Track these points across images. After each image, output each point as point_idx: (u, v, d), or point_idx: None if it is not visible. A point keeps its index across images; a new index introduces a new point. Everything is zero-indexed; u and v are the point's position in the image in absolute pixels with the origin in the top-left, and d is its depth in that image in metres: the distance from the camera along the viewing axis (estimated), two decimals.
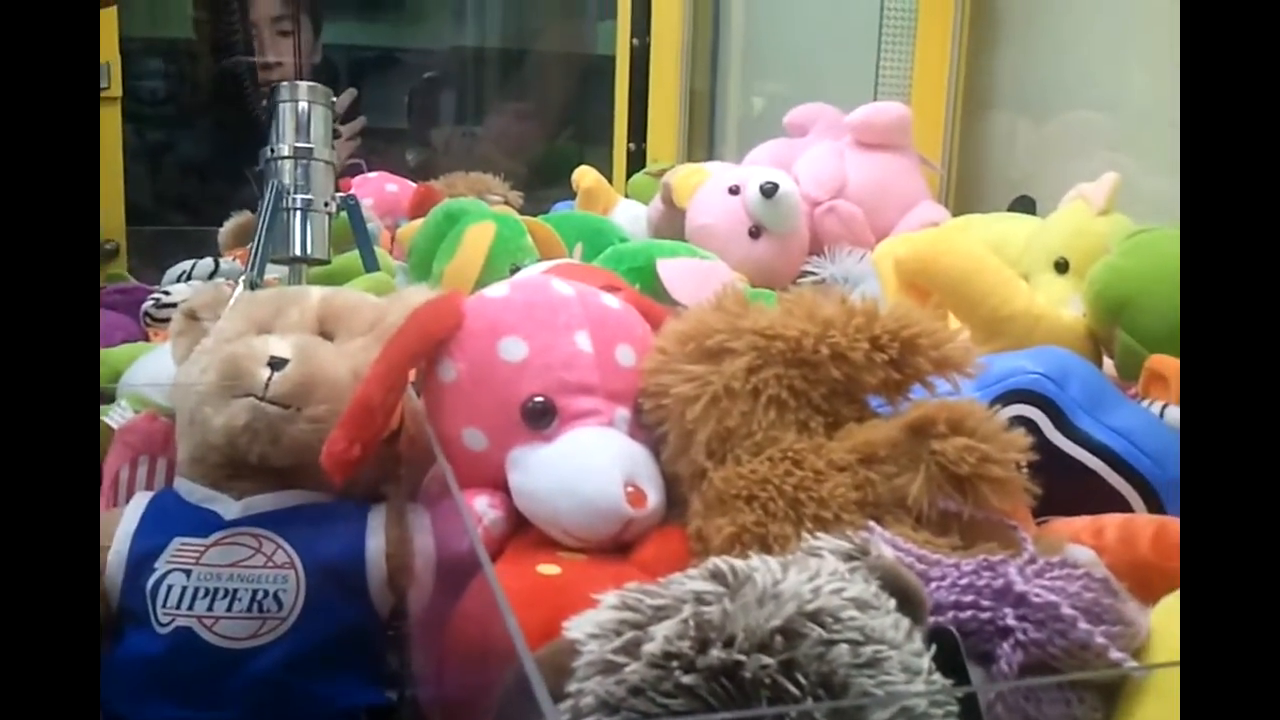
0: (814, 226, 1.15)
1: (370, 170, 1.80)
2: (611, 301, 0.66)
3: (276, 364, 0.65)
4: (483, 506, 0.60)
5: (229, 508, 0.66)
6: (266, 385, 0.64)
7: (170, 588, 0.63)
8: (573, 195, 1.46)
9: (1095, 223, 0.93)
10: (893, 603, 0.41)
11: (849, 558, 0.43)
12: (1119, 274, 0.77)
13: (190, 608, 0.63)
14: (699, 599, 0.39)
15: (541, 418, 0.60)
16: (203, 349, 0.70)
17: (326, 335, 0.70)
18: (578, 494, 0.58)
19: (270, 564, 0.64)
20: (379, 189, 1.46)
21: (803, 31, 1.74)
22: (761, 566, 0.41)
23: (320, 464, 0.61)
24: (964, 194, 1.35)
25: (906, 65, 1.36)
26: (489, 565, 0.49)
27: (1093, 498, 0.66)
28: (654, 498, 0.59)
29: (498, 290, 0.65)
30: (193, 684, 0.62)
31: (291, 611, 0.63)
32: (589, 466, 0.58)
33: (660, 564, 0.57)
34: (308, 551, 0.64)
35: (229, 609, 0.63)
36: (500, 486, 0.61)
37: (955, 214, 1.18)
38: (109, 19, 1.56)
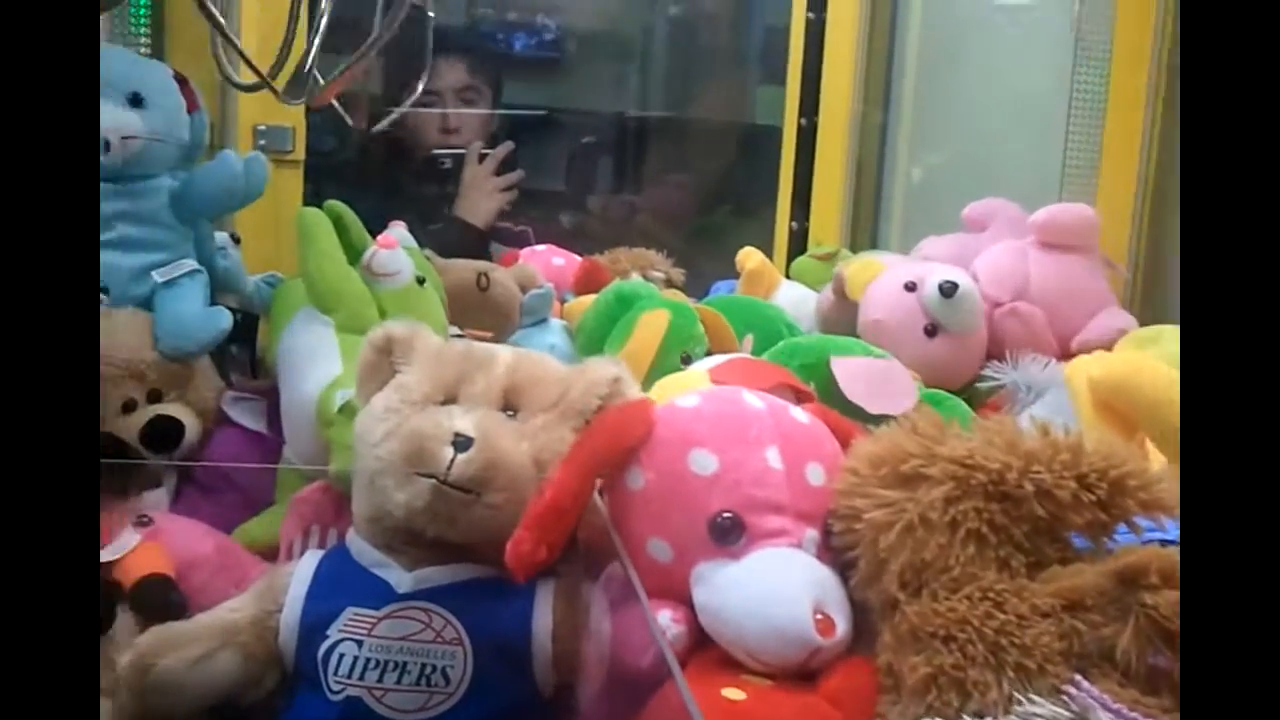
0: (993, 328, 1.12)
1: (534, 238, 1.83)
2: (801, 416, 0.65)
3: (460, 444, 0.65)
4: (665, 620, 0.59)
5: (401, 578, 0.67)
6: (449, 466, 0.64)
7: (342, 656, 0.65)
8: (730, 272, 1.45)
9: None
10: None
11: None
12: None
13: (361, 678, 0.65)
14: None
15: (730, 534, 0.59)
16: (388, 405, 0.70)
17: (510, 407, 0.70)
18: (766, 618, 0.56)
19: (439, 639, 0.65)
20: (546, 261, 1.48)
21: (981, 115, 1.71)
22: None
23: (493, 543, 0.62)
24: (1151, 300, 1.29)
25: (1094, 156, 1.31)
26: (688, 695, 0.48)
27: None
28: (842, 626, 0.58)
29: (688, 400, 0.64)
30: None
31: (458, 687, 0.64)
32: (778, 590, 0.57)
33: (848, 697, 0.55)
34: (476, 628, 0.65)
35: (398, 681, 0.64)
36: (683, 600, 0.60)
37: (1141, 322, 1.13)
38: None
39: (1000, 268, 1.14)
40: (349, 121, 1.61)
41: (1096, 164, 1.32)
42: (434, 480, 0.65)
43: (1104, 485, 0.55)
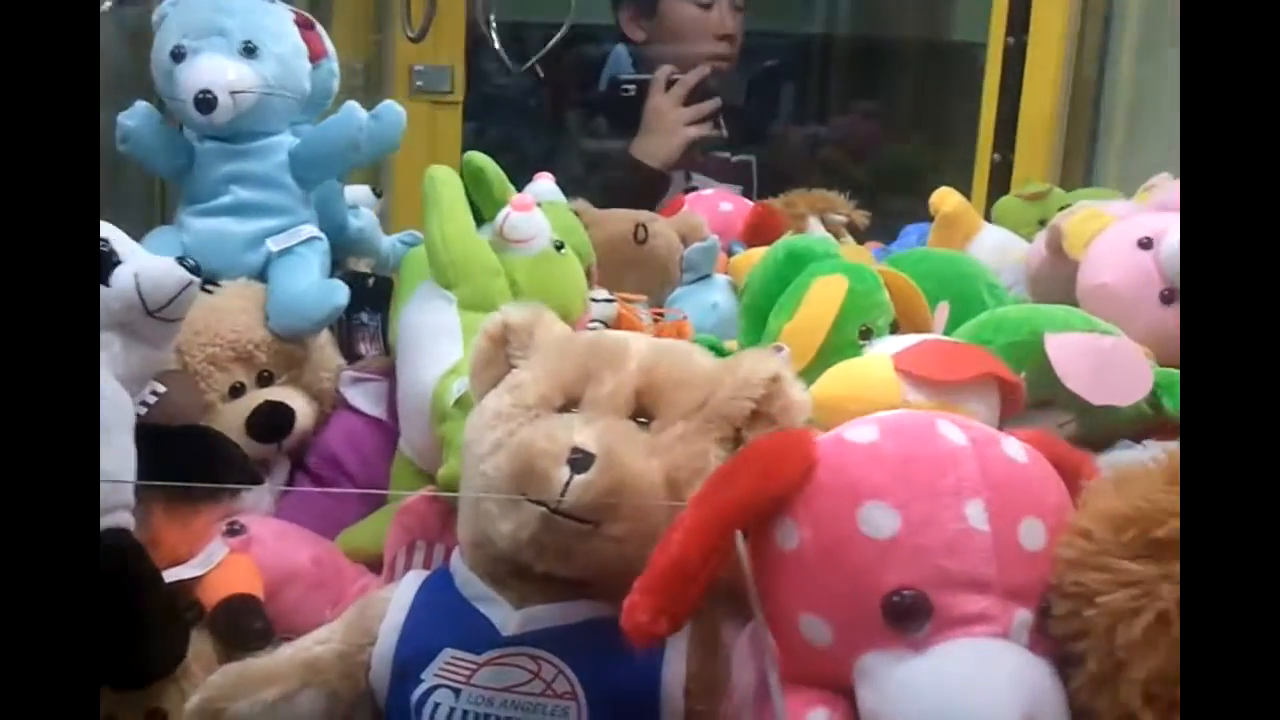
0: None
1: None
2: (1017, 452, 0.49)
3: (578, 462, 0.56)
4: None
5: (507, 617, 0.60)
6: (563, 491, 0.55)
7: (438, 706, 0.58)
8: (924, 212, 1.28)
9: None
10: None
11: None
12: None
13: None
14: None
15: (911, 618, 0.45)
16: (499, 410, 0.61)
17: (643, 412, 0.60)
18: None
19: (549, 692, 0.58)
20: (712, 207, 1.33)
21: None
22: None
23: (617, 577, 0.52)
24: None
25: None
26: None
27: None
28: None
29: (863, 432, 0.49)
30: None
31: None
32: (976, 699, 0.43)
33: None
34: (593, 679, 0.58)
35: None
36: (845, 694, 0.46)
37: None
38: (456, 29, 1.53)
39: None
40: (506, 64, 1.49)
41: None
42: (544, 508, 0.56)
43: None
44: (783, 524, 0.48)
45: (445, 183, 0.81)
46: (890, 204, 1.72)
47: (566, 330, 0.66)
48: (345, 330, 0.94)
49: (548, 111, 2.03)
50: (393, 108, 0.94)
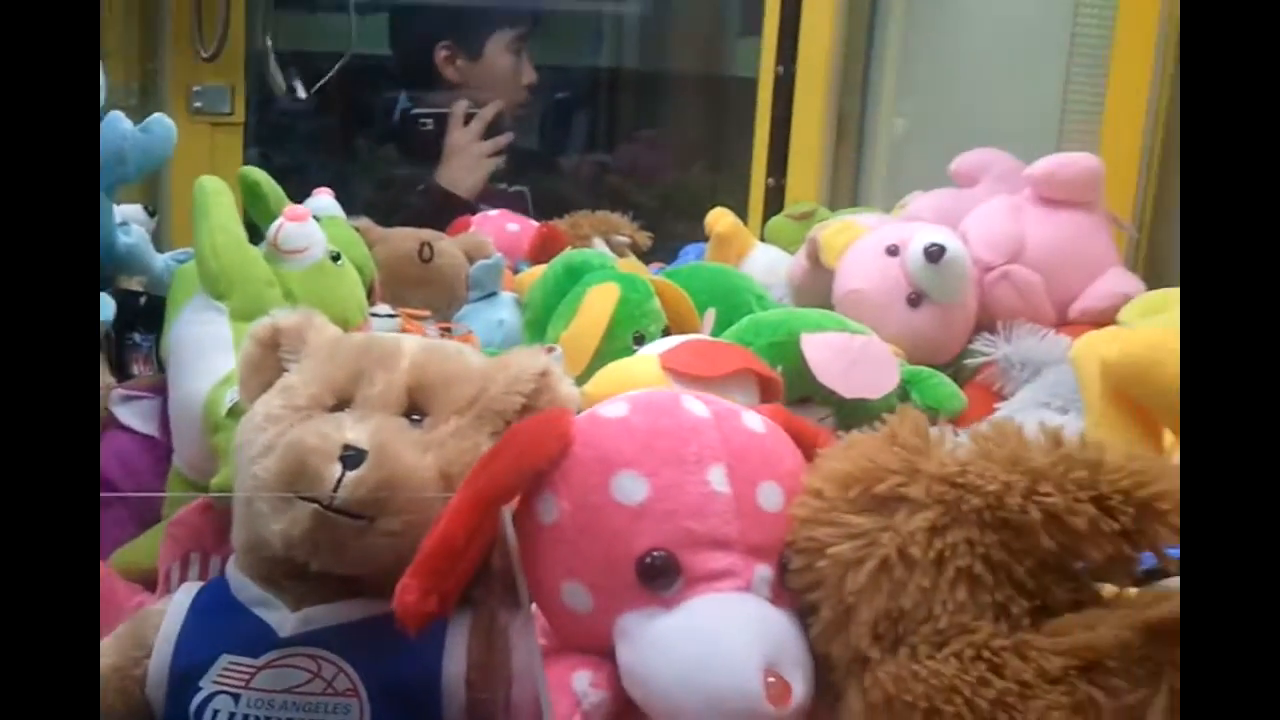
0: (983, 295, 1.00)
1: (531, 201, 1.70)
2: (755, 424, 0.53)
3: (350, 459, 0.56)
4: (583, 685, 0.48)
5: (284, 620, 0.59)
6: (335, 487, 0.55)
7: (217, 713, 0.57)
8: (704, 235, 1.34)
9: None
10: None
11: None
12: None
13: None
14: None
15: (660, 578, 0.48)
16: (270, 412, 0.61)
17: (416, 409, 0.61)
18: (704, 685, 0.45)
19: (330, 690, 0.57)
20: (499, 228, 1.36)
21: (972, 61, 1.58)
22: None
23: (393, 574, 0.52)
24: (1158, 260, 1.17)
25: (1097, 103, 1.19)
26: None
27: None
28: (800, 690, 0.46)
29: (614, 409, 0.53)
30: None
31: None
32: (720, 649, 0.46)
33: None
34: (373, 675, 0.57)
35: None
36: (607, 656, 0.49)
37: (1148, 285, 1.01)
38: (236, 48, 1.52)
39: (993, 227, 1.03)
40: (280, 85, 1.49)
41: (1099, 112, 1.20)
42: (317, 505, 0.56)
43: (1129, 510, 0.44)
44: (543, 498, 0.51)
45: (215, 193, 0.81)
46: (674, 228, 1.79)
47: (338, 333, 0.66)
48: (117, 351, 0.91)
49: (336, 138, 2.02)
50: (162, 120, 0.92)
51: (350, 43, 1.67)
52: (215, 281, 0.78)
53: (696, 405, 0.52)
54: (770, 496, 0.50)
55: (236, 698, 0.57)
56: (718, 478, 0.49)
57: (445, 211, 1.63)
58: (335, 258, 0.85)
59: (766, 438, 0.53)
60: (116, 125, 0.87)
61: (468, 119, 1.72)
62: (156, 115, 0.93)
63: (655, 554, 0.48)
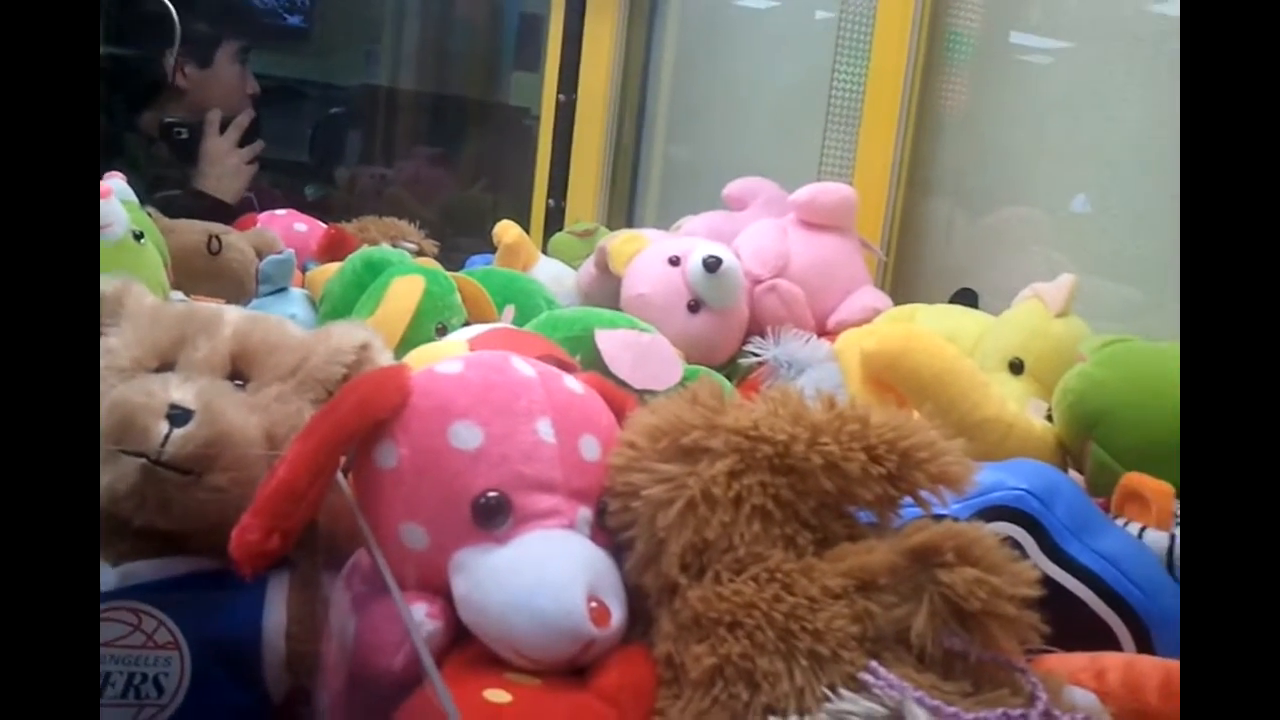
0: (753, 304, 1.10)
1: (262, 203, 1.70)
2: (575, 385, 0.59)
3: (177, 417, 0.57)
4: (420, 615, 0.52)
5: (105, 575, 0.59)
6: (163, 443, 0.56)
7: None
8: (486, 247, 1.39)
9: (1052, 324, 0.90)
10: None
11: None
12: (1096, 385, 0.74)
13: None
14: None
15: (494, 516, 0.52)
16: None
17: (239, 375, 0.63)
18: (534, 609, 0.50)
19: (150, 644, 0.57)
20: (286, 227, 1.36)
21: (739, 106, 1.71)
22: None
23: (215, 532, 0.55)
24: (902, 281, 1.32)
25: (850, 145, 1.33)
26: (447, 698, 0.41)
27: (1077, 627, 0.61)
28: (618, 614, 0.52)
29: (450, 366, 0.57)
30: None
31: (174, 698, 0.57)
32: (548, 576, 0.51)
33: (624, 694, 0.50)
34: (194, 629, 0.58)
35: (101, 695, 0.56)
36: (440, 592, 0.53)
37: (895, 301, 1.14)
38: None
39: (762, 245, 1.13)
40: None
41: (853, 152, 1.34)
42: (144, 459, 0.56)
43: (894, 457, 0.52)
44: (382, 446, 0.54)
45: None
46: (455, 241, 1.83)
47: (157, 301, 0.67)
48: None
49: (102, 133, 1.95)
50: None
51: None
52: None
53: (524, 365, 0.57)
54: (590, 448, 0.56)
55: None
56: (545, 429, 0.55)
57: (211, 216, 1.62)
58: (138, 236, 0.85)
59: (585, 397, 0.58)
60: None
61: (223, 127, 1.73)
62: None
63: (490, 494, 0.52)
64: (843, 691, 0.41)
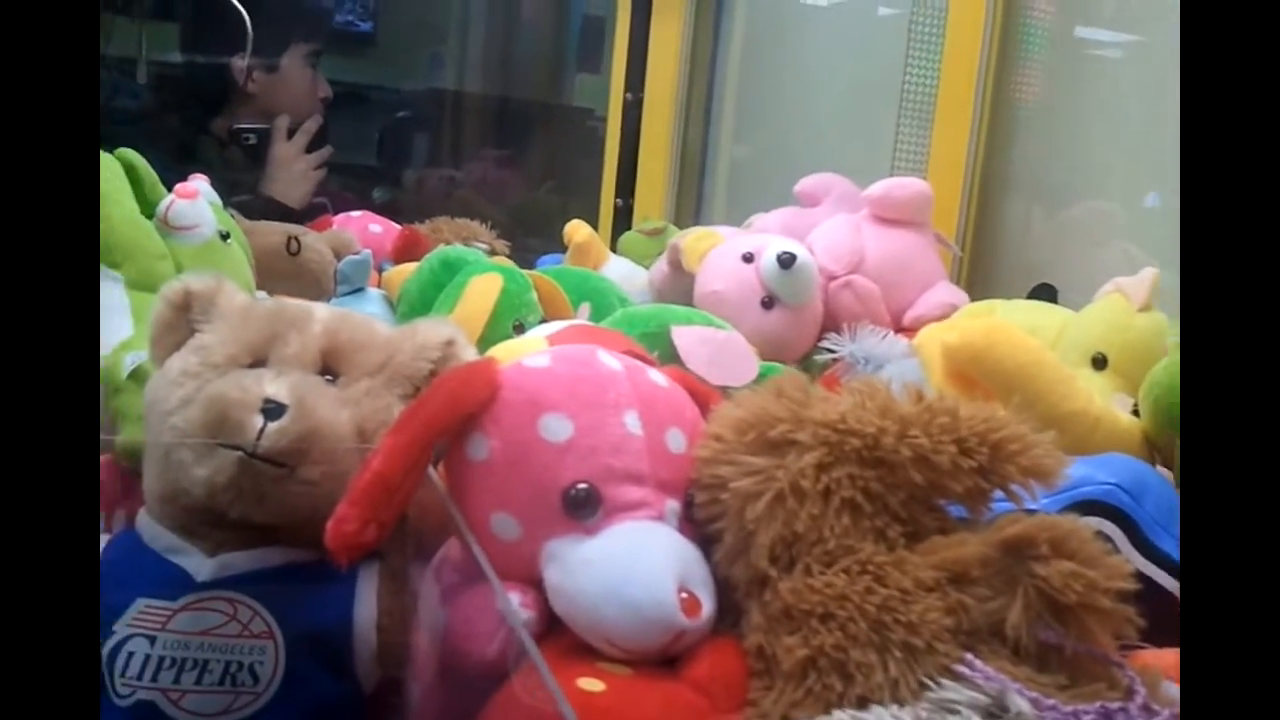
0: (828, 301, 1.10)
1: (335, 207, 1.73)
2: (659, 379, 0.59)
3: (271, 411, 0.58)
4: (513, 605, 0.53)
5: (201, 565, 0.60)
6: (258, 436, 0.57)
7: (131, 655, 0.57)
8: (555, 248, 1.40)
9: (1135, 319, 0.89)
10: None
11: (989, 714, 0.36)
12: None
13: (154, 679, 0.57)
14: None
15: (584, 507, 0.53)
16: (186, 369, 0.62)
17: (329, 371, 0.64)
18: (626, 599, 0.50)
19: (246, 633, 0.59)
20: (362, 229, 1.38)
21: (809, 101, 1.71)
22: None
23: (309, 524, 0.56)
24: (977, 276, 1.30)
25: (924, 140, 1.32)
26: (554, 684, 0.42)
27: (1168, 623, 0.60)
28: (708, 605, 0.52)
29: (538, 360, 0.58)
30: None
31: (268, 686, 0.58)
32: (639, 567, 0.51)
33: (716, 684, 0.50)
34: (289, 619, 0.59)
35: (198, 682, 0.57)
36: (531, 581, 0.54)
37: (970, 297, 1.13)
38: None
39: (836, 241, 1.12)
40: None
41: (927, 146, 1.32)
42: (240, 452, 0.58)
43: (984, 450, 0.52)
44: (473, 439, 0.55)
45: (105, 167, 0.82)
46: (525, 242, 1.84)
47: (248, 298, 0.69)
48: None
49: (175, 140, 2.00)
50: None
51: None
52: (109, 251, 0.79)
53: (610, 359, 0.58)
54: (676, 440, 0.56)
55: (152, 639, 0.58)
56: (632, 421, 0.55)
57: (278, 220, 1.65)
58: (224, 236, 0.87)
59: (670, 390, 0.59)
60: None
61: (291, 134, 1.75)
62: None
63: (580, 486, 0.53)
64: (944, 681, 0.41)
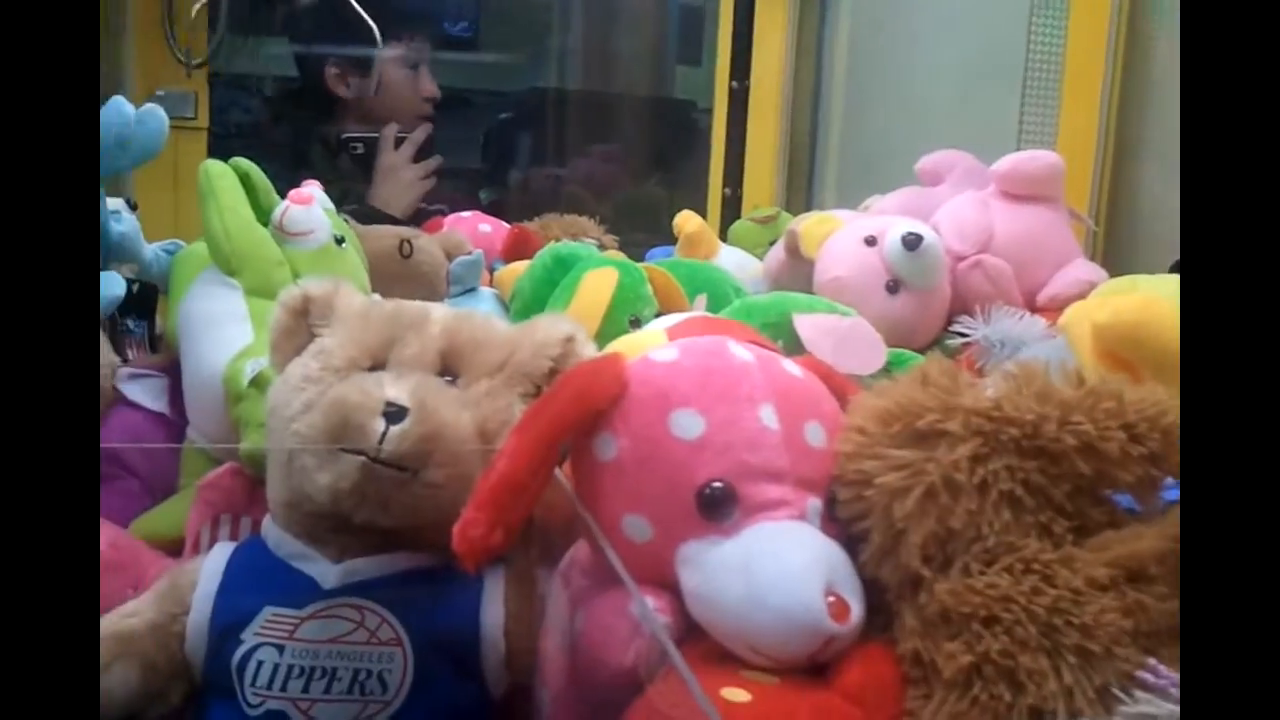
0: (956, 283, 1.05)
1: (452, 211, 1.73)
2: (794, 369, 0.56)
3: (393, 415, 0.57)
4: (650, 609, 0.50)
5: (327, 572, 0.60)
6: (381, 440, 0.56)
7: (261, 664, 0.57)
8: (663, 240, 1.37)
9: None
10: None
11: None
12: None
13: (284, 689, 0.57)
14: None
15: (720, 507, 0.50)
16: (307, 374, 0.62)
17: (448, 372, 0.63)
18: (770, 604, 0.47)
19: (374, 640, 0.58)
20: (472, 228, 1.38)
21: (923, 73, 1.65)
22: None
23: (433, 528, 0.55)
24: (1114, 252, 1.24)
25: (1052, 113, 1.26)
26: (700, 692, 0.39)
27: None
28: (857, 609, 0.49)
29: (666, 354, 0.55)
30: None
31: (398, 694, 0.58)
32: (783, 571, 0.48)
33: (870, 693, 0.47)
34: (417, 625, 0.58)
35: (327, 690, 0.57)
36: (665, 585, 0.51)
37: (1108, 274, 1.07)
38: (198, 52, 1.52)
39: (963, 220, 1.07)
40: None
41: (1055, 118, 1.26)
42: (363, 457, 0.57)
43: (1156, 435, 0.48)
44: (601, 438, 0.53)
45: (221, 176, 0.82)
46: (632, 236, 1.82)
47: (367, 301, 0.68)
48: (112, 336, 0.91)
49: (290, 150, 2.03)
50: (156, 112, 0.92)
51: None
52: (228, 259, 0.79)
53: (741, 350, 0.55)
54: (815, 434, 0.53)
55: (281, 649, 0.57)
56: (768, 415, 0.52)
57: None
58: (339, 241, 0.87)
59: (806, 381, 0.56)
60: (120, 108, 0.87)
61: (398, 143, 1.75)
62: (149, 106, 0.92)
63: (715, 485, 0.50)
64: (1137, 693, 0.37)
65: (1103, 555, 0.46)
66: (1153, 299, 0.68)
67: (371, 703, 0.57)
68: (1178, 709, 0.34)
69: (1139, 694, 0.37)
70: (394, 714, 0.57)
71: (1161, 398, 0.50)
